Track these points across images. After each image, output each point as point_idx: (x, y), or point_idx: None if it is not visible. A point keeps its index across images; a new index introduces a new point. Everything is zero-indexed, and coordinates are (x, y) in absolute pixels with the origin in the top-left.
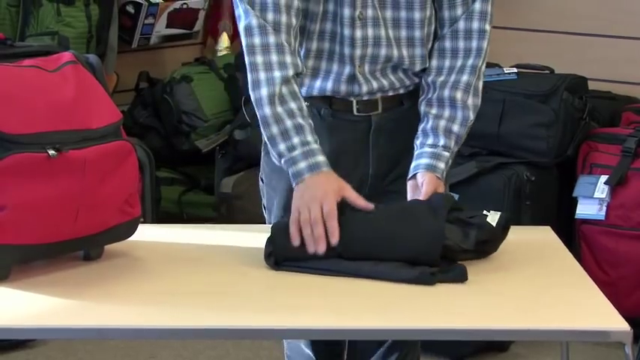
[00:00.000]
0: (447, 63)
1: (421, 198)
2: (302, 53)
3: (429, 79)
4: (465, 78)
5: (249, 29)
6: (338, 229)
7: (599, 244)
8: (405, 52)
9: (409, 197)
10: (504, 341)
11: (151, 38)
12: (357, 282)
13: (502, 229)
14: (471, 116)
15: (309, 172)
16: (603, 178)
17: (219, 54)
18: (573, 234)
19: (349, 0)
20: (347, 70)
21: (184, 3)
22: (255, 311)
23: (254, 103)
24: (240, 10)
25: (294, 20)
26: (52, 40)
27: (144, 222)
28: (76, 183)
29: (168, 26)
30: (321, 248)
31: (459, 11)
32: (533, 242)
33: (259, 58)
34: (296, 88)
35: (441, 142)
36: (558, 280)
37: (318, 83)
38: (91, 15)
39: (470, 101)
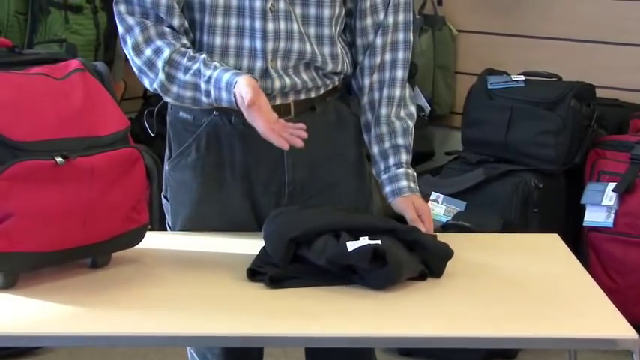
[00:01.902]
0: (376, 77)
1: (428, 228)
2: (205, 48)
3: (364, 99)
4: (397, 92)
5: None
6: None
7: (606, 252)
8: (316, 49)
9: (409, 217)
10: (512, 349)
11: None
12: (355, 289)
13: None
14: (410, 124)
15: (237, 76)
16: (611, 185)
17: None
18: (581, 241)
19: None
20: (258, 64)
21: None
22: (260, 318)
23: (161, 90)
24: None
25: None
26: (60, 48)
27: (151, 229)
28: (84, 190)
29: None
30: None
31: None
32: (541, 249)
33: (147, 52)
34: (180, 57)
35: (391, 162)
36: (566, 287)
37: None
38: (99, 23)
39: (403, 112)
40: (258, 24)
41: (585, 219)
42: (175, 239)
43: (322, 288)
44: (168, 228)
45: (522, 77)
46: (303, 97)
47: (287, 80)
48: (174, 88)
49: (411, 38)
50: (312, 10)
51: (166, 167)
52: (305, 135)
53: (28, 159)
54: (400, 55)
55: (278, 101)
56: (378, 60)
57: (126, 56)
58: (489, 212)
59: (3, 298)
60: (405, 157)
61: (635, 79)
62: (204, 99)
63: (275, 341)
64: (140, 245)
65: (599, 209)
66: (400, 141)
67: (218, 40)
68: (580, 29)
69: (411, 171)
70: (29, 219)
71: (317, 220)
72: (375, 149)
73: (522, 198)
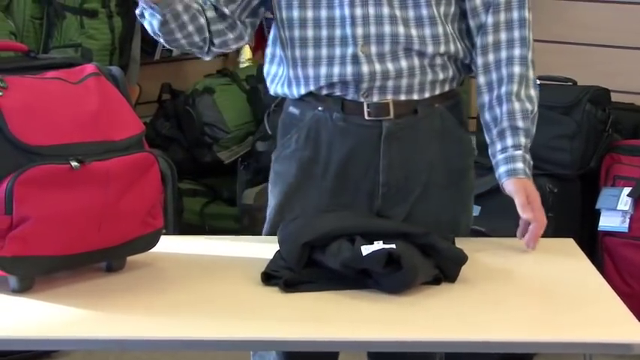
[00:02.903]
0: (492, 57)
1: (520, 213)
2: (297, 44)
3: (480, 79)
4: (516, 70)
5: None
6: None
7: (622, 256)
8: (413, 31)
9: (519, 200)
10: (526, 353)
11: (173, 51)
12: (370, 294)
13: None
14: (529, 107)
15: None
16: (626, 190)
17: (242, 65)
18: (596, 246)
19: None
20: (349, 51)
21: None
22: (275, 322)
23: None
24: None
25: None
26: (76, 53)
27: (166, 234)
28: (99, 194)
29: None
30: None
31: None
32: (556, 254)
33: None
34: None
35: (509, 142)
36: (581, 292)
37: (323, 71)
38: (114, 27)
39: (523, 93)
40: (347, 11)
41: (600, 223)
42: (190, 243)
43: (337, 292)
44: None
45: (537, 81)
46: (403, 97)
47: (378, 67)
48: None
49: (527, 16)
50: None
51: (272, 156)
52: None
53: (44, 163)
54: (516, 33)
55: (375, 99)
56: (490, 39)
57: (140, 60)
58: (504, 217)
59: (19, 301)
60: (523, 140)
61: None
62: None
63: (290, 345)
64: (155, 249)
65: (615, 214)
66: (520, 123)
67: (309, 32)
68: (595, 33)
69: (528, 156)
70: (45, 223)
71: (331, 225)
72: (494, 130)
73: None
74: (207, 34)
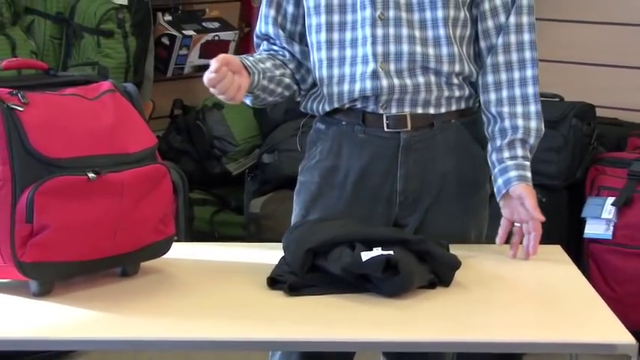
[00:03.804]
0: (504, 76)
1: (529, 214)
2: (325, 64)
3: (490, 96)
4: (529, 90)
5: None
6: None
7: (606, 262)
8: (431, 50)
9: (506, 214)
10: (516, 353)
11: (185, 68)
12: (370, 297)
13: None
14: (542, 128)
15: None
16: (610, 199)
17: None
18: (582, 252)
19: (370, 2)
20: (370, 67)
21: (216, 35)
22: (280, 324)
23: None
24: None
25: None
26: (92, 70)
27: (178, 240)
28: (114, 204)
29: (200, 57)
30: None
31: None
32: (544, 260)
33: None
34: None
35: (519, 153)
36: (568, 296)
37: (346, 87)
38: (129, 46)
39: (536, 110)
40: (369, 31)
41: (586, 231)
42: (200, 250)
43: (338, 296)
44: None
45: None
46: (420, 110)
47: (396, 82)
48: None
49: (535, 38)
50: (425, 14)
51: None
52: None
53: (62, 174)
54: (527, 54)
55: (394, 110)
56: (502, 58)
57: (154, 78)
58: (496, 224)
59: (39, 305)
60: (530, 155)
61: (633, 99)
62: None
63: (294, 346)
64: (167, 255)
65: (599, 222)
66: (532, 140)
67: (335, 52)
68: (581, 52)
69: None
70: (63, 231)
71: (333, 232)
72: (504, 140)
73: None
74: (295, 86)
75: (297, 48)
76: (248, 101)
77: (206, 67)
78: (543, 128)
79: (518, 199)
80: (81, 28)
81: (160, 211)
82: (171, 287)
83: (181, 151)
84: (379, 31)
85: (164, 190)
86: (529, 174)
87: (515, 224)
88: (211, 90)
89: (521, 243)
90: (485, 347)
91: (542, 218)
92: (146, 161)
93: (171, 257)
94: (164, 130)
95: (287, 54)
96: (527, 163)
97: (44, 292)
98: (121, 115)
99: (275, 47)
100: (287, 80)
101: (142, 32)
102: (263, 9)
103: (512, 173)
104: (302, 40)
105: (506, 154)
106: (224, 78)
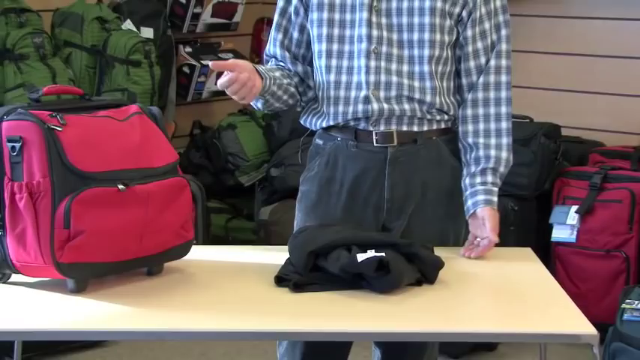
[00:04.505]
0: (481, 111)
1: (487, 234)
2: (324, 86)
3: (468, 127)
4: (503, 125)
5: None
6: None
7: (570, 263)
8: (416, 83)
9: (472, 229)
10: (492, 342)
11: (203, 93)
12: (364, 293)
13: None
14: (511, 159)
15: None
16: (574, 207)
17: None
18: (549, 254)
19: (367, 37)
20: (363, 93)
21: None
22: (286, 317)
23: None
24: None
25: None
26: (122, 95)
27: (196, 244)
28: (141, 212)
29: (216, 83)
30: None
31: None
32: (517, 261)
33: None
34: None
35: (490, 179)
36: (537, 292)
37: (341, 108)
38: (154, 75)
39: (507, 143)
40: (363, 62)
41: (553, 235)
42: (215, 252)
43: (337, 292)
44: None
45: None
46: (405, 128)
47: (385, 106)
48: None
49: (510, 80)
50: (413, 52)
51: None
52: None
53: (96, 186)
54: (504, 94)
55: (382, 127)
56: (481, 95)
57: (176, 102)
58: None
59: (75, 300)
60: (499, 182)
61: (593, 120)
62: None
63: (298, 336)
64: (187, 257)
65: (565, 227)
66: (502, 169)
67: (333, 77)
68: (548, 80)
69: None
70: (96, 235)
71: (332, 236)
72: (478, 167)
73: (501, 218)
74: (298, 96)
75: (300, 68)
76: (259, 104)
77: (221, 92)
78: (512, 160)
79: (482, 220)
80: (112, 58)
81: (181, 218)
82: (191, 285)
83: (199, 165)
84: (372, 63)
85: (184, 200)
86: (495, 199)
87: (477, 238)
88: (226, 91)
89: None
90: (466, 337)
91: (496, 240)
92: (169, 174)
93: (191, 258)
94: (184, 148)
95: (292, 71)
96: (496, 189)
97: (79, 289)
98: (147, 134)
99: (281, 64)
100: (292, 89)
101: (166, 62)
102: (272, 32)
103: (481, 197)
104: (304, 61)
105: (477, 179)
106: (237, 80)
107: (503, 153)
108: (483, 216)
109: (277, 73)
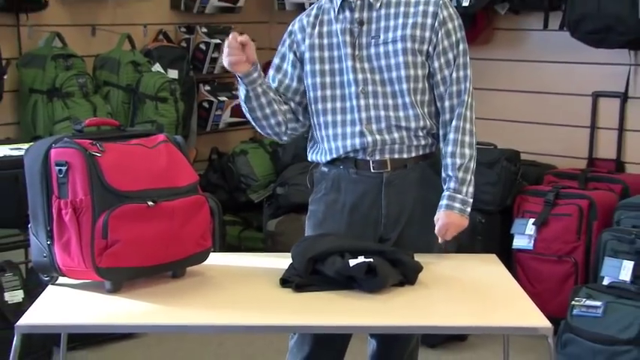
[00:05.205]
0: (449, 129)
1: (437, 230)
2: (322, 126)
3: (443, 146)
4: (466, 139)
5: None
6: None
7: (529, 266)
8: (401, 113)
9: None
10: (463, 334)
11: (220, 124)
12: (355, 293)
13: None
14: (467, 152)
15: None
16: (532, 220)
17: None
18: (511, 259)
19: (354, 81)
20: (357, 129)
21: None
22: (289, 313)
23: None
24: None
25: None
26: (152, 126)
27: (214, 251)
28: (167, 224)
29: (231, 116)
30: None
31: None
32: (484, 265)
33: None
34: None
35: (452, 185)
36: (501, 292)
37: (340, 144)
38: (179, 109)
39: (460, 139)
40: (354, 102)
41: (514, 243)
42: (230, 258)
43: (332, 292)
44: None
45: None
46: (397, 156)
47: (378, 138)
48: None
49: (471, 100)
50: (394, 87)
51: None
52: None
53: (129, 203)
54: (468, 113)
55: (377, 157)
56: (447, 117)
57: (197, 131)
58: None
59: (112, 299)
60: (464, 189)
61: (547, 147)
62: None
63: (300, 329)
64: (206, 262)
65: (524, 237)
66: (461, 174)
67: (330, 118)
68: (510, 113)
69: (466, 198)
70: (130, 244)
71: (329, 245)
72: (448, 173)
73: (470, 229)
74: (280, 119)
75: (292, 105)
76: (242, 91)
77: (235, 123)
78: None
79: (440, 219)
80: (144, 95)
81: (201, 230)
82: (210, 286)
83: (217, 185)
84: (362, 102)
85: (204, 214)
86: (457, 204)
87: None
88: (224, 50)
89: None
90: (442, 330)
91: (440, 239)
92: (191, 193)
93: (210, 264)
94: (204, 170)
95: (286, 100)
96: (459, 196)
97: (115, 289)
98: (172, 159)
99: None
100: (275, 106)
101: (189, 98)
102: (271, 72)
103: (444, 202)
104: (294, 102)
105: (446, 186)
106: (238, 41)
107: (458, 160)
108: (441, 217)
109: (272, 91)
